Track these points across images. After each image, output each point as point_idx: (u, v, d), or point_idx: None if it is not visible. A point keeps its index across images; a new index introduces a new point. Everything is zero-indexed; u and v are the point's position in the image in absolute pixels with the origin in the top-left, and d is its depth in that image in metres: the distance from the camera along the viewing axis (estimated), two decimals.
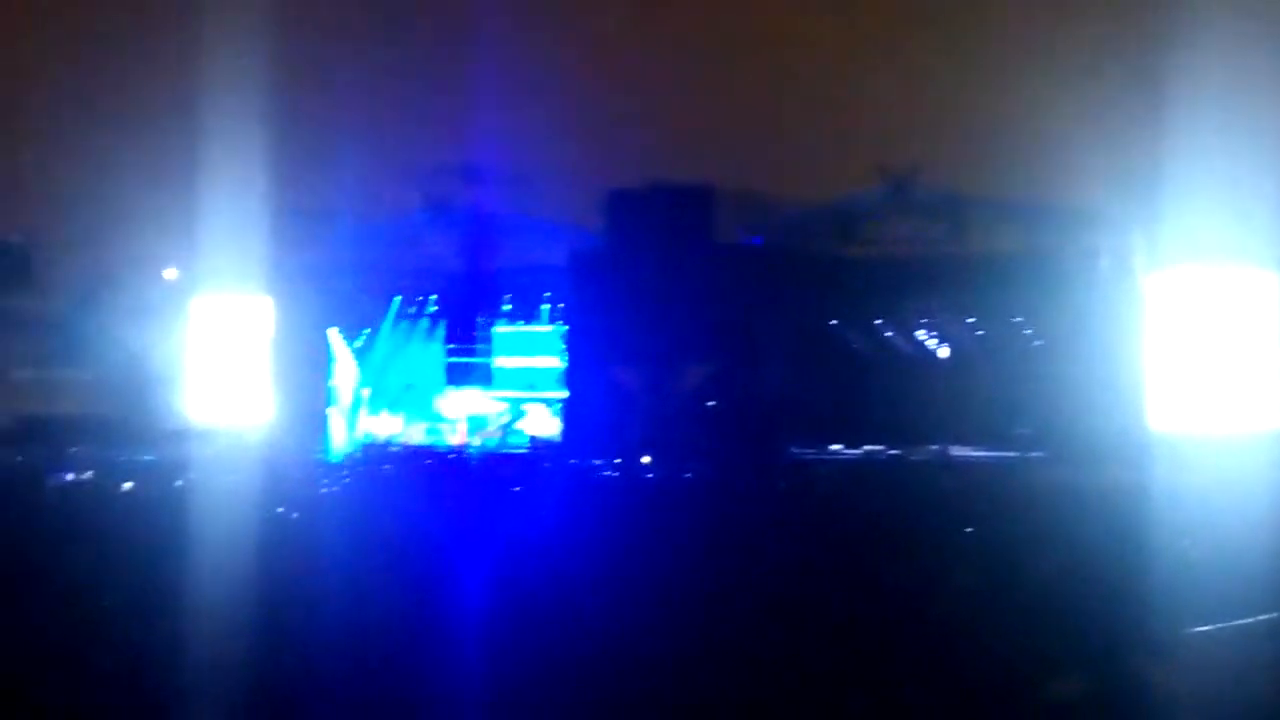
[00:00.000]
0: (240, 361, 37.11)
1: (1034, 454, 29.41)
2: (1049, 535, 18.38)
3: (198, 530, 17.07)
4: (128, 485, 25.91)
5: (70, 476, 27.56)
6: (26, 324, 36.98)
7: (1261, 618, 12.34)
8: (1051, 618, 12.79)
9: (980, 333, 33.07)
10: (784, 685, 11.07)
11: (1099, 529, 17.76)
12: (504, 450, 34.06)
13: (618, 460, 30.41)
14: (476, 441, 35.38)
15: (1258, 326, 27.51)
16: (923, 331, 33.79)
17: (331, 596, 13.38)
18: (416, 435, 36.62)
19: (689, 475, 28.60)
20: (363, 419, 36.99)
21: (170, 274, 38.44)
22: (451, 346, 36.99)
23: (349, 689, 10.43)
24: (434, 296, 37.58)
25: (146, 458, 29.10)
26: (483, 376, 36.34)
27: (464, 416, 36.49)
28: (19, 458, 29.32)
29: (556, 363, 35.43)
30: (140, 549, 16.16)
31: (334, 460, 33.30)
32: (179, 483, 26.25)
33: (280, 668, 11.00)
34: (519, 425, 35.60)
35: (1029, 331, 31.96)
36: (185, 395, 37.01)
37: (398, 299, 37.60)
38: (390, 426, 36.90)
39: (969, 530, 19.09)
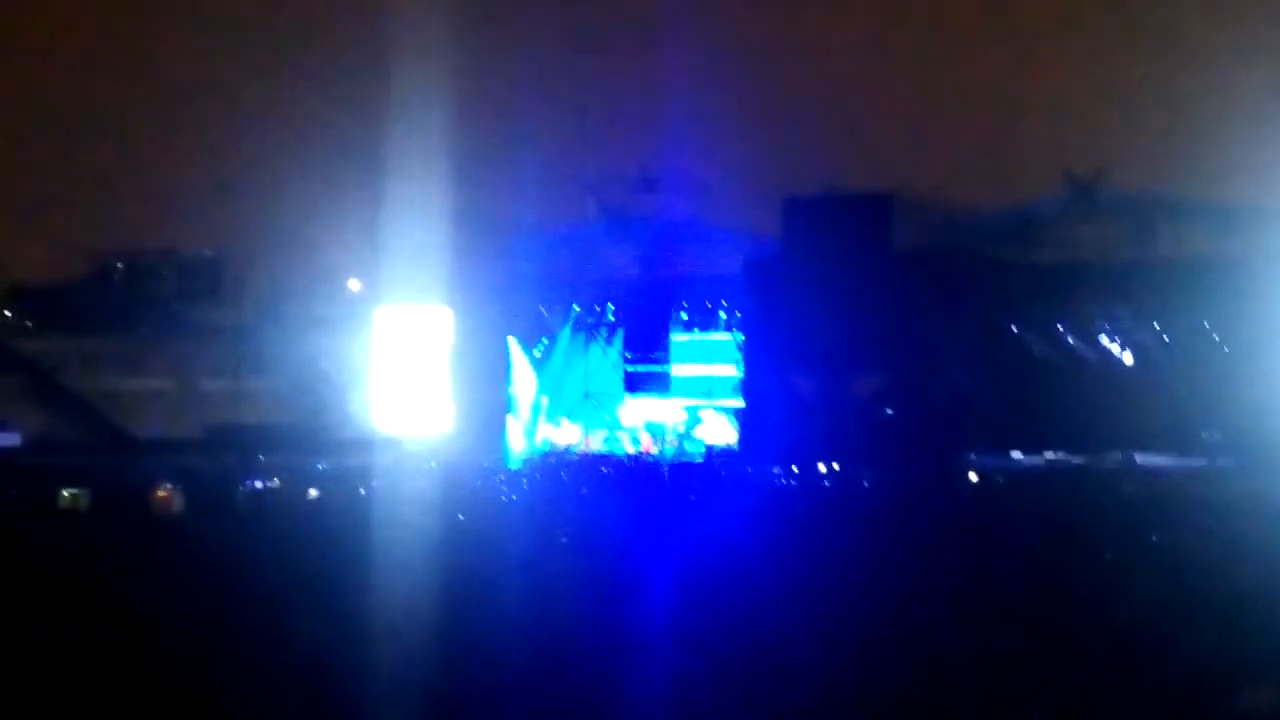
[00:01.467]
0: (421, 371, 37.60)
1: (1222, 462, 28.64)
2: (1237, 544, 17.94)
3: (381, 535, 17.41)
4: (314, 492, 26.49)
5: (259, 484, 28.23)
6: (216, 335, 37.98)
7: None
8: (1241, 628, 12.47)
9: (1166, 338, 32.31)
10: (972, 689, 10.95)
11: None
12: (681, 458, 34.07)
13: (794, 468, 30.26)
14: (654, 449, 35.46)
15: None
16: (1106, 337, 33.10)
17: (514, 600, 13.55)
18: (595, 443, 36.81)
19: (866, 483, 28.39)
20: (541, 427, 37.31)
21: (354, 285, 39.18)
22: (629, 355, 37.15)
23: (533, 688, 10.55)
24: (612, 305, 37.78)
25: (331, 465, 29.69)
26: (660, 384, 36.43)
27: (642, 424, 36.61)
28: (210, 465, 30.09)
29: (733, 371, 35.40)
30: (326, 553, 16.53)
31: (513, 468, 33.60)
32: (362, 490, 26.76)
33: (464, 668, 11.16)
34: (696, 433, 35.61)
35: (1216, 336, 31.15)
36: (368, 404, 37.64)
37: (576, 308, 37.88)
38: (568, 435, 37.16)
39: (1155, 539, 18.71)
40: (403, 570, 14.97)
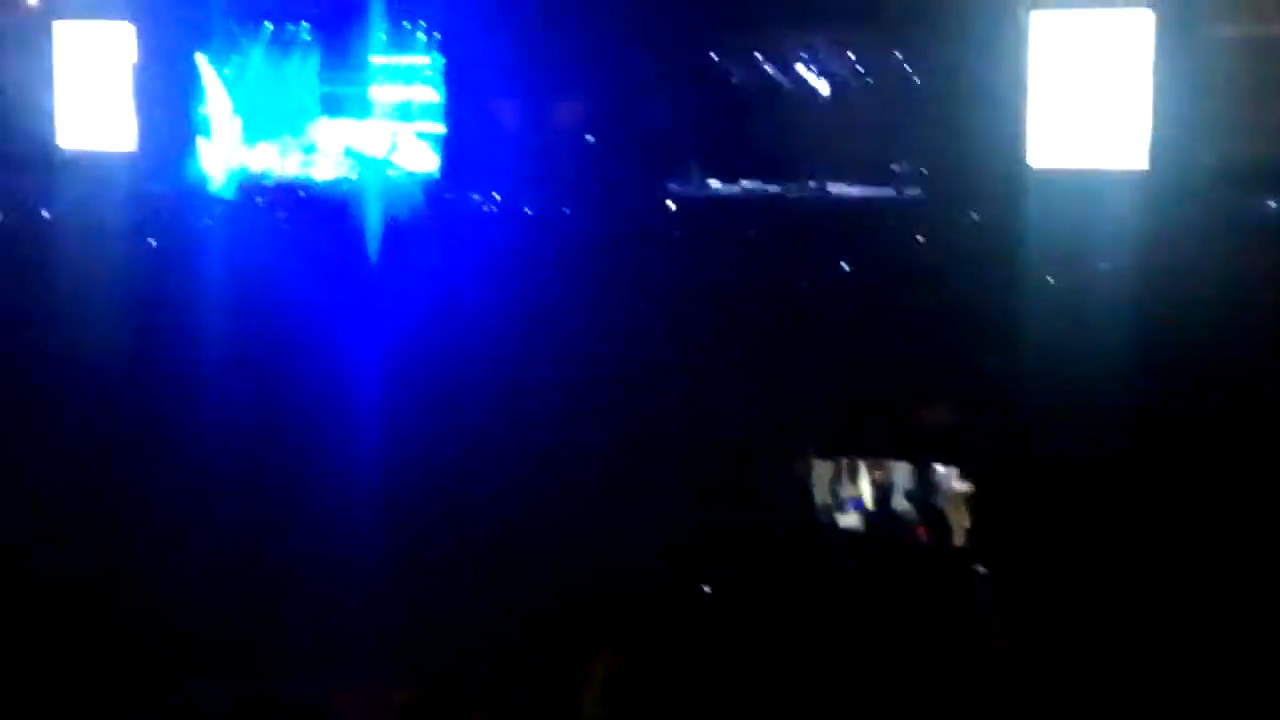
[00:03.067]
0: (103, 88, 36.08)
1: (909, 192, 29.67)
2: (921, 270, 18.70)
3: (69, 261, 16.79)
4: None
5: None
6: None
7: None
8: (928, 340, 13.07)
9: (860, 69, 32.94)
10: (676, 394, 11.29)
11: (973, 264, 18.08)
12: (381, 183, 33.61)
13: (496, 195, 30.21)
14: (352, 175, 34.87)
15: (1130, 66, 27.66)
16: (803, 66, 33.57)
17: (211, 332, 13.30)
18: (291, 167, 36.00)
19: (568, 210, 28.56)
20: (235, 149, 36.26)
21: None
22: (327, 75, 36.13)
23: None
24: (308, 24, 36.56)
25: (10, 185, 28.39)
26: (360, 107, 35.64)
27: (341, 148, 35.89)
28: None
29: (434, 95, 34.85)
30: (7, 281, 15.88)
31: (207, 192, 32.71)
32: (46, 214, 25.73)
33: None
34: (395, 158, 35.10)
35: (909, 68, 31.87)
36: (49, 122, 36.02)
37: (269, 25, 36.55)
38: (264, 158, 36.21)
39: (845, 266, 19.33)
40: (87, 294, 14.52)
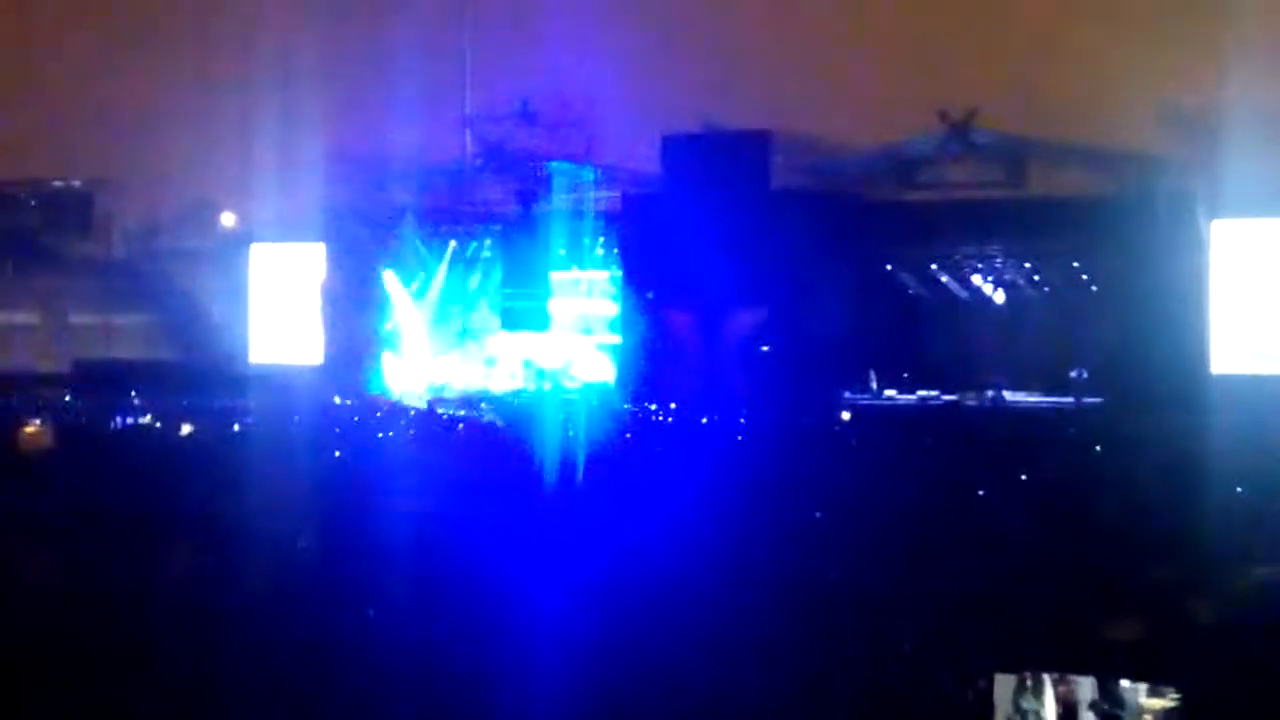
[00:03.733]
0: (294, 307, 37.35)
1: (1088, 399, 29.25)
2: (1102, 476, 18.33)
3: (255, 473, 17.20)
4: (187, 428, 26.11)
5: (130, 420, 27.83)
6: (86, 268, 37.25)
7: None
8: (1107, 557, 12.76)
9: (1036, 277, 32.86)
10: (852, 623, 11.13)
11: (1157, 474, 17.66)
12: (559, 396, 34.07)
13: (673, 405, 30.41)
14: (532, 387, 35.42)
15: None
16: (978, 276, 33.60)
17: (390, 536, 13.47)
18: (472, 379, 36.71)
19: (743, 420, 28.58)
20: (418, 362, 37.13)
21: (228, 220, 38.65)
22: (507, 291, 37.00)
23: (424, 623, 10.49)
24: (489, 241, 37.58)
25: (205, 401, 29.30)
26: (538, 320, 36.35)
27: (520, 361, 36.55)
28: (79, 402, 29.60)
29: (612, 308, 35.42)
30: (199, 490, 16.29)
31: (390, 404, 33.41)
32: (236, 426, 26.44)
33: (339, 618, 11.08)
34: (574, 371, 35.62)
35: (1085, 276, 31.72)
36: (242, 340, 37.28)
37: (454, 243, 37.64)
38: (445, 370, 37.01)
39: (1024, 475, 19.03)
40: (271, 502, 14.80)
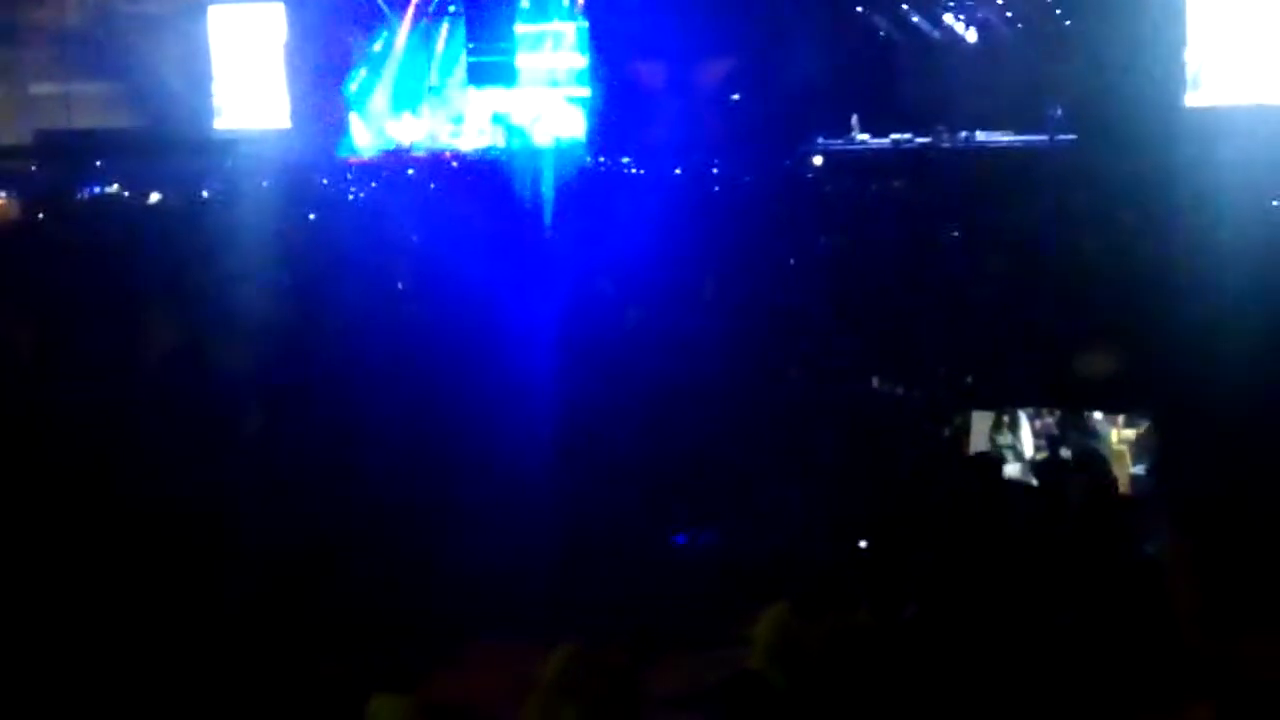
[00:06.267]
0: (257, 69, 36.79)
1: (1062, 137, 29.12)
2: (1079, 216, 18.33)
3: (227, 236, 17.09)
4: (155, 196, 25.89)
5: (96, 189, 27.58)
6: (42, 38, 36.44)
7: None
8: (1082, 298, 12.84)
9: (1009, 14, 32.42)
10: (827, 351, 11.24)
11: (1132, 209, 17.68)
12: (530, 150, 33.81)
13: (644, 159, 30.22)
14: (500, 143, 35.13)
15: None
16: (951, 15, 33.13)
17: (362, 298, 13.47)
18: (440, 136, 36.39)
19: (715, 170, 28.47)
20: (385, 122, 36.73)
21: None
22: (472, 45, 36.39)
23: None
24: None
25: (171, 168, 28.97)
26: (505, 75, 35.84)
27: (489, 117, 36.17)
28: (44, 173, 29.29)
29: (579, 61, 34.95)
30: (165, 254, 16.21)
31: (360, 164, 33.17)
32: (205, 192, 26.22)
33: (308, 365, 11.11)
34: (542, 126, 35.26)
35: (1058, 11, 31.29)
36: (205, 105, 36.78)
37: None
38: (413, 130, 36.64)
39: (996, 215, 19.01)
40: (241, 268, 14.75)
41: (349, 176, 29.93)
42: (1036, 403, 9.88)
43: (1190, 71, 27.59)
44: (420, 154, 34.87)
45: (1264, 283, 11.90)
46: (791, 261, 15.87)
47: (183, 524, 8.16)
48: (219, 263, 14.86)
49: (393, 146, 35.86)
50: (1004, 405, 10.18)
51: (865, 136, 31.43)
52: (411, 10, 36.88)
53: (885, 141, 31.00)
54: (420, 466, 9.64)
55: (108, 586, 7.70)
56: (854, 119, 31.43)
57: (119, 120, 34.89)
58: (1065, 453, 9.66)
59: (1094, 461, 8.80)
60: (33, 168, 30.12)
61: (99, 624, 7.48)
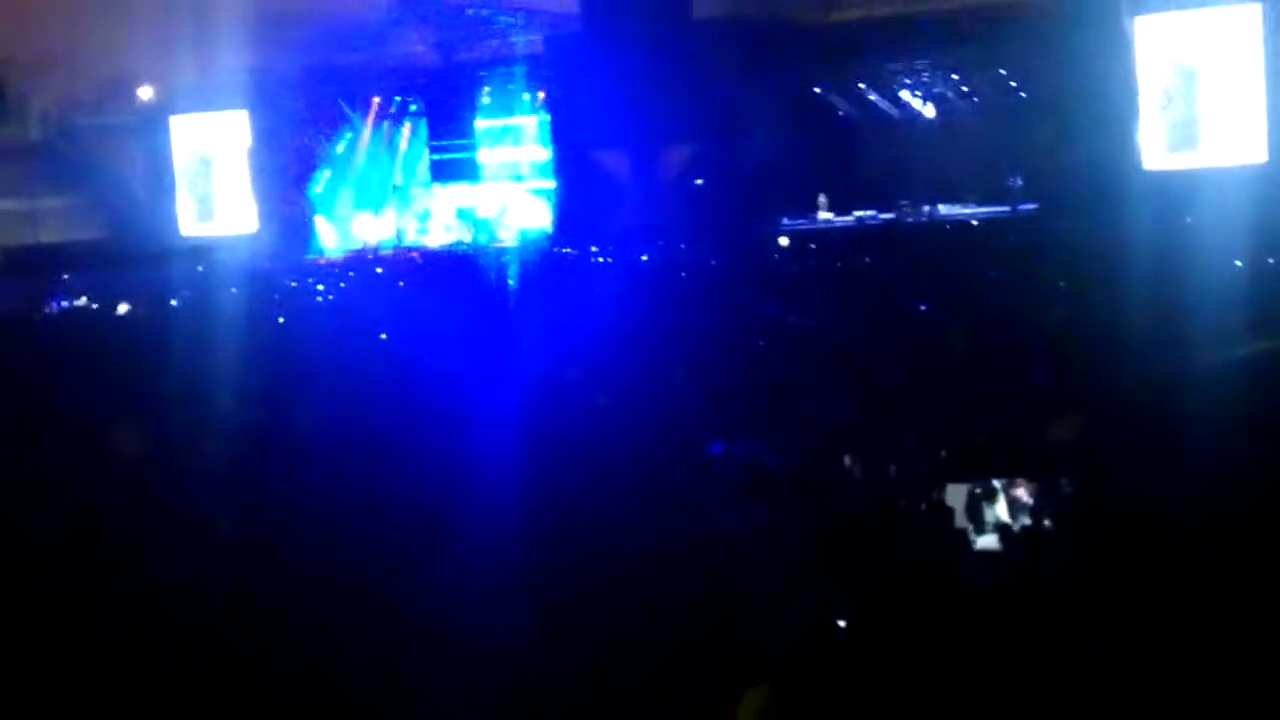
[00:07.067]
0: (222, 175, 36.92)
1: (1023, 207, 29.36)
2: (1045, 282, 18.45)
3: (199, 344, 17.08)
4: (123, 307, 25.87)
5: (64, 303, 27.54)
6: (5, 153, 36.52)
7: None
8: (1056, 358, 12.89)
9: (965, 88, 32.73)
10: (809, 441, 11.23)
11: (1095, 272, 17.79)
12: (497, 244, 33.95)
13: (610, 247, 30.33)
14: (468, 238, 35.26)
15: (1240, 62, 27.16)
16: (907, 92, 33.44)
17: (347, 397, 13.45)
18: (408, 234, 36.56)
19: (685, 251, 28.60)
20: (352, 223, 36.88)
21: (145, 93, 37.96)
22: (435, 143, 36.60)
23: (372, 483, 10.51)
24: (413, 95, 37.11)
25: (140, 278, 28.97)
26: (469, 171, 36.03)
27: (453, 213, 36.33)
28: (9, 288, 29.22)
29: (542, 153, 35.15)
30: (146, 367, 16.17)
31: (328, 266, 33.23)
32: (174, 301, 26.21)
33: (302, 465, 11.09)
34: (508, 219, 35.41)
35: (1013, 83, 31.60)
36: (171, 213, 36.87)
37: (376, 100, 37.16)
38: (380, 229, 36.78)
39: (964, 286, 19.11)
40: (221, 372, 14.73)
41: (315, 278, 29.96)
42: (1008, 473, 9.90)
43: (1145, 135, 27.85)
44: (387, 252, 34.97)
45: (1229, 338, 11.98)
46: (761, 343, 15.91)
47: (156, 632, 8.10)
48: (187, 371, 14.84)
49: (360, 246, 35.97)
50: (979, 476, 10.19)
51: (829, 215, 31.59)
52: (374, 111, 37.13)
53: (849, 219, 31.17)
54: (403, 553, 9.56)
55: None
56: (821, 198, 31.61)
57: (85, 232, 34.94)
58: (1045, 523, 9.67)
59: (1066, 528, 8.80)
60: None
61: None
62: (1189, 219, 22.98)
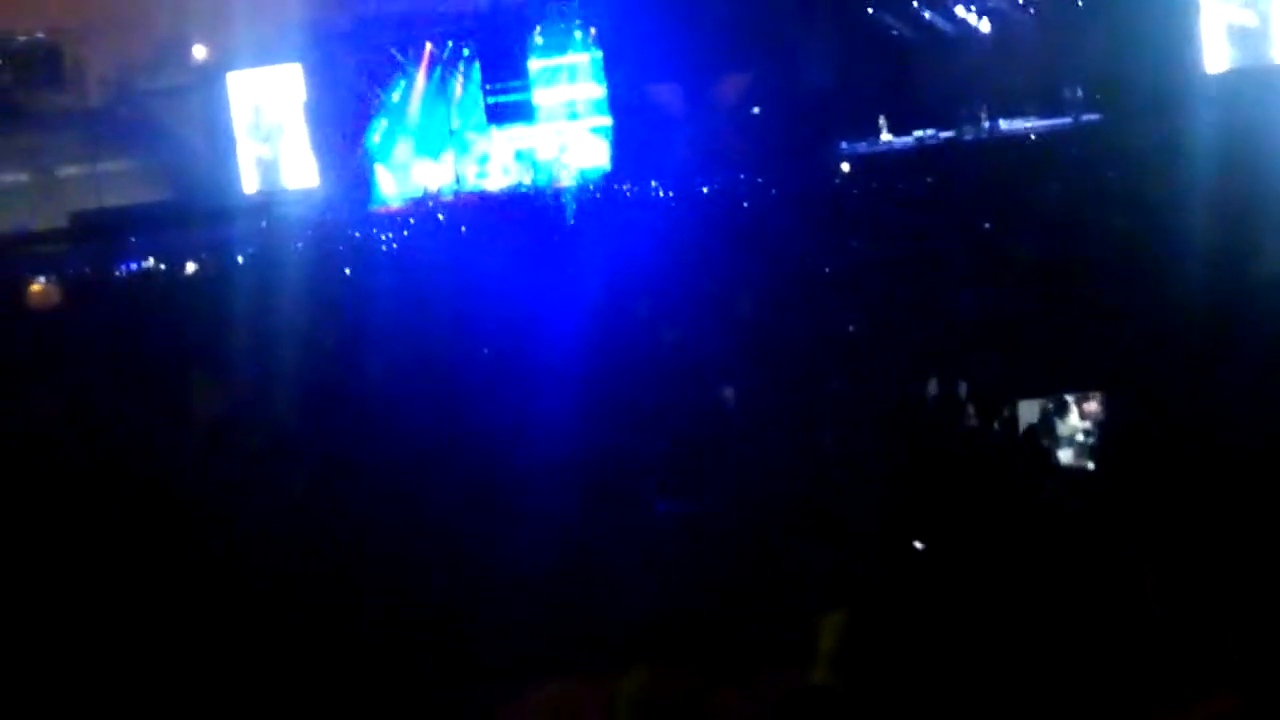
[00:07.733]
0: (281, 130, 37.09)
1: (1088, 116, 29.01)
2: (1108, 195, 18.26)
3: (269, 302, 17.24)
4: (191, 267, 26.12)
5: (133, 265, 27.82)
6: (66, 121, 36.82)
7: None
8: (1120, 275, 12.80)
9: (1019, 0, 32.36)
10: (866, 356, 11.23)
11: (1159, 181, 17.59)
12: (557, 183, 33.95)
13: (669, 181, 30.25)
14: (528, 179, 35.27)
15: None
16: (961, 7, 33.07)
17: (420, 342, 13.56)
18: (468, 179, 36.59)
19: (745, 181, 28.48)
20: (411, 170, 36.97)
21: (200, 53, 38.12)
22: (490, 87, 36.55)
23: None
24: (465, 39, 37.07)
25: (203, 237, 29.22)
26: (525, 113, 36.00)
27: (511, 155, 36.34)
28: (80, 254, 29.53)
29: (598, 90, 35.07)
30: (214, 328, 16.34)
31: (391, 214, 33.35)
32: (240, 258, 26.43)
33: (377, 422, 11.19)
34: (567, 158, 35.39)
35: None
36: (233, 171, 37.09)
37: (429, 45, 37.13)
38: (439, 175, 36.84)
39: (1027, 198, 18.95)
40: (291, 329, 14.87)
41: (380, 227, 30.11)
42: (1079, 388, 9.87)
43: (1207, 36, 27.44)
44: (448, 198, 35.04)
45: None
46: (826, 268, 15.88)
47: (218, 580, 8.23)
48: (261, 326, 14.98)
49: (420, 193, 36.05)
50: (1052, 392, 10.17)
51: (889, 137, 31.36)
52: (427, 58, 37.11)
53: (909, 140, 30.94)
54: (459, 489, 9.62)
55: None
56: (880, 119, 31.38)
57: (149, 195, 35.21)
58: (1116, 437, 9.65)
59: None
60: (68, 250, 30.38)
61: None
62: (1256, 120, 22.63)
